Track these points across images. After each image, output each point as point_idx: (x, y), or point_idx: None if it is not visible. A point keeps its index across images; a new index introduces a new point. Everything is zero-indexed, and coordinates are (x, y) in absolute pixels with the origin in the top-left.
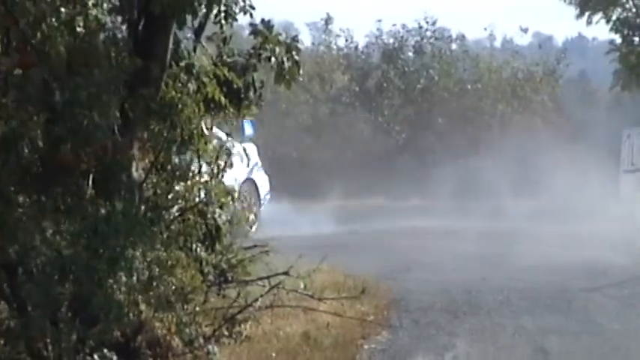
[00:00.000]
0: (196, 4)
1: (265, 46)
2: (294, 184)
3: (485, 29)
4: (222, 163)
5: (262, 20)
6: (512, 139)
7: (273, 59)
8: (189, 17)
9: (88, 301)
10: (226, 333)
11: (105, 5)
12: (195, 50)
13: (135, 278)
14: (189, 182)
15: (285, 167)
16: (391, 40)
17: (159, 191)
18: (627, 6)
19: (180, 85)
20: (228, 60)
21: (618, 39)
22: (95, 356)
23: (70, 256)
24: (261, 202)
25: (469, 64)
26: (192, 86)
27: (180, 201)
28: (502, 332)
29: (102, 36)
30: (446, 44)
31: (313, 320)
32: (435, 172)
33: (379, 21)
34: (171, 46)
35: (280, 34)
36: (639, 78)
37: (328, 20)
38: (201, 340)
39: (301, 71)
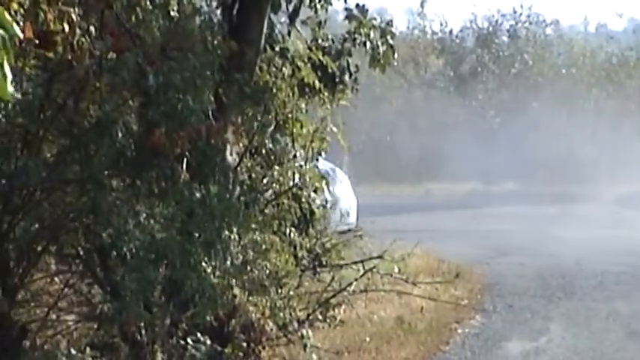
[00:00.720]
0: None
1: (360, 31)
2: (388, 168)
3: (580, 14)
4: (316, 147)
5: (357, 5)
6: (606, 123)
7: (367, 43)
8: (283, 1)
9: (181, 285)
10: (320, 317)
11: None
12: (289, 34)
13: (229, 262)
14: (283, 166)
15: (379, 151)
16: (485, 25)
17: (253, 175)
18: None
19: (274, 69)
20: (323, 44)
21: None
22: (189, 340)
23: (164, 240)
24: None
25: (563, 48)
26: (286, 70)
27: (274, 185)
28: (596, 316)
29: (197, 20)
30: (540, 29)
31: (407, 304)
32: (529, 157)
33: (474, 5)
34: (265, 30)
35: (375, 19)
36: None
37: (423, 4)
38: (295, 324)
39: (396, 55)
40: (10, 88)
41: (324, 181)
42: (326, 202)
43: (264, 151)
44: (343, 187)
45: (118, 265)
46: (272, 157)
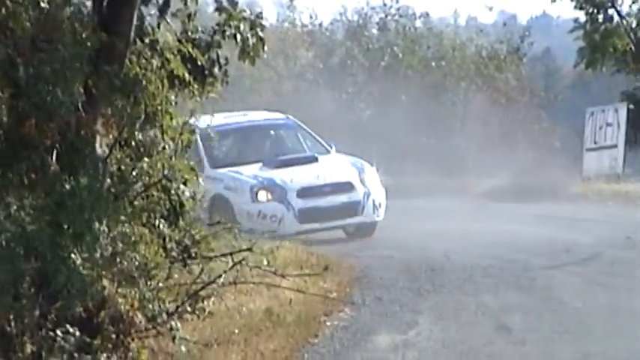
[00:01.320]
0: None
1: (230, 23)
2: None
3: (450, 7)
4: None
5: None
6: (475, 116)
7: (237, 36)
8: None
9: (51, 276)
10: (189, 309)
11: None
12: (159, 26)
13: (98, 254)
14: (153, 158)
15: None
16: (355, 17)
17: (123, 167)
18: None
19: (144, 61)
20: (193, 36)
21: (583, 17)
22: (58, 332)
23: (34, 232)
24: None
25: (433, 41)
26: (156, 62)
27: (144, 177)
28: (465, 310)
29: (67, 11)
30: (410, 21)
31: (276, 297)
32: (398, 150)
33: None
34: (135, 22)
35: (244, 11)
36: (603, 56)
37: None
38: (165, 316)
39: (265, 48)
40: None
41: (352, 173)
42: (362, 195)
43: (133, 143)
44: (373, 181)
45: None
46: (141, 149)
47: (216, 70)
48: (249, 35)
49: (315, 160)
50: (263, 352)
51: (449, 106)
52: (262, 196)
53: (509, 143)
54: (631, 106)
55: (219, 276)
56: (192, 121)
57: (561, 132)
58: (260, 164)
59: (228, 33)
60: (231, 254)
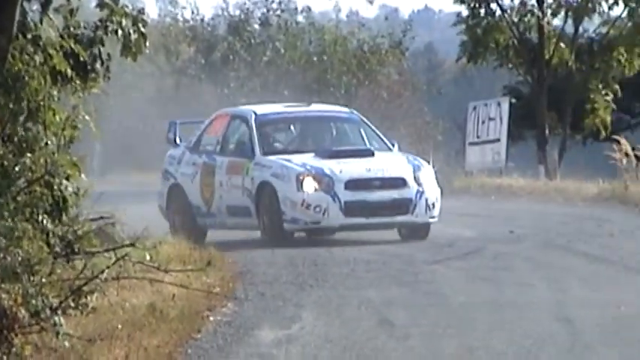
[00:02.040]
0: None
1: (112, 19)
2: (140, 156)
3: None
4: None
5: None
6: (358, 111)
7: (119, 31)
8: None
9: None
10: (72, 304)
11: None
12: (42, 22)
13: None
14: (35, 154)
15: (131, 139)
16: (237, 12)
17: (5, 163)
18: None
19: (26, 57)
20: (75, 32)
21: (464, 11)
22: None
23: None
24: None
25: (315, 36)
26: (38, 58)
27: (26, 172)
28: (348, 304)
29: None
30: (292, 16)
31: (159, 292)
32: None
33: None
34: (18, 17)
35: (127, 7)
36: (486, 50)
37: None
38: (48, 312)
39: (147, 43)
40: None
41: (406, 170)
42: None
43: (16, 139)
44: (429, 180)
45: None
46: (24, 145)
47: (98, 65)
48: (131, 31)
49: (371, 154)
50: (146, 348)
51: (331, 101)
52: (308, 184)
53: (392, 137)
54: (513, 101)
55: (102, 271)
56: (244, 107)
57: (444, 126)
58: (313, 154)
59: (110, 29)
60: (114, 249)
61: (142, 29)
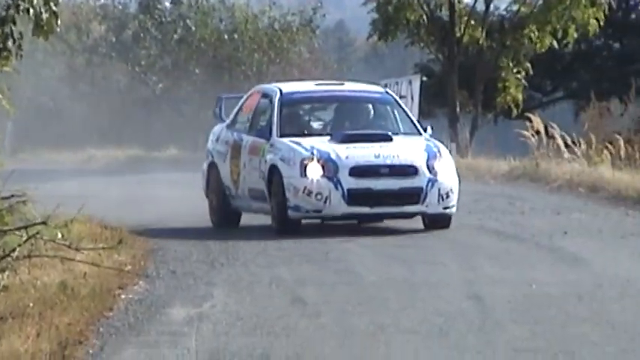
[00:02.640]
0: None
1: None
2: (52, 135)
3: None
4: None
5: None
6: None
7: (31, 10)
8: None
9: None
10: None
11: None
12: None
13: None
14: None
15: (43, 117)
16: None
17: None
18: None
19: None
20: None
21: None
22: None
23: None
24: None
25: (226, 14)
26: None
27: None
28: (259, 282)
29: None
30: None
31: (71, 270)
32: (191, 122)
33: None
34: None
35: None
36: (397, 28)
37: None
38: None
39: (59, 22)
40: None
41: (419, 156)
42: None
43: None
44: (444, 165)
45: None
46: None
47: (10, 44)
48: (42, 10)
49: (389, 139)
50: (58, 326)
51: (242, 79)
52: (311, 170)
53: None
54: (424, 78)
55: (14, 250)
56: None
57: None
58: (329, 137)
59: (22, 7)
60: (25, 228)
61: (54, 8)
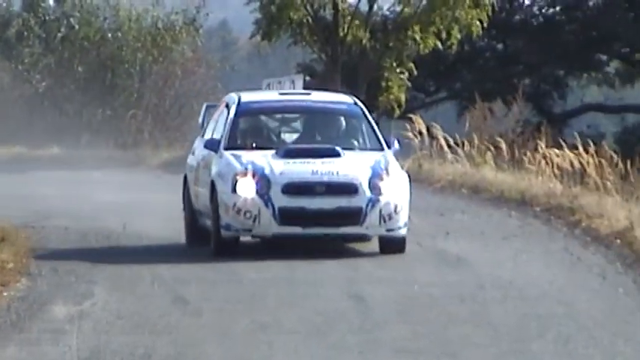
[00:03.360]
0: None
1: None
2: None
3: None
4: None
5: None
6: (151, 88)
7: None
8: None
9: None
10: None
11: None
12: None
13: None
14: None
15: None
16: None
17: None
18: None
19: None
20: None
21: None
22: None
23: None
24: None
25: (109, 12)
26: None
27: None
28: (141, 281)
29: None
30: None
31: None
32: (74, 121)
33: None
34: None
35: None
36: (280, 28)
37: None
38: None
39: None
40: None
41: (363, 174)
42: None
43: None
44: (390, 184)
45: None
46: None
47: None
48: None
49: (336, 154)
50: None
51: (125, 78)
52: (242, 186)
53: (185, 115)
54: (307, 78)
55: None
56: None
57: None
58: (275, 150)
59: None
60: None
61: None
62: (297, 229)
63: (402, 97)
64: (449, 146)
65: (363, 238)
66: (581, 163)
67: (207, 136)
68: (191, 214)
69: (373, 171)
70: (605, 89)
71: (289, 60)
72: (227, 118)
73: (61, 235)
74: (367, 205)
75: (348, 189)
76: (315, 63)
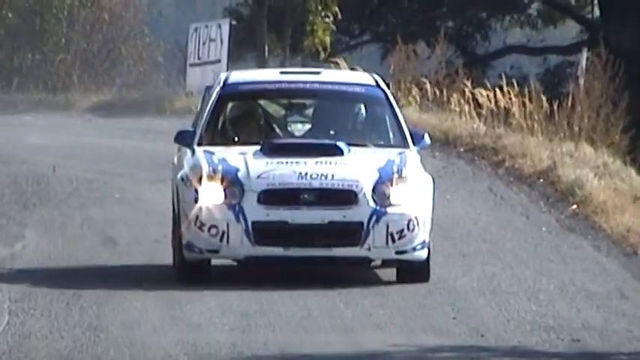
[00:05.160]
0: None
1: None
2: None
3: None
4: None
5: None
6: (80, 33)
7: None
8: None
9: None
10: None
11: None
12: None
13: None
14: None
15: None
16: None
17: None
18: None
19: None
20: None
21: None
22: None
23: None
24: None
25: None
26: None
27: None
28: (71, 223)
29: None
30: None
31: None
32: (5, 65)
33: None
34: None
35: None
36: None
37: None
38: None
39: None
40: None
41: (366, 178)
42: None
43: None
44: (404, 191)
45: None
46: None
47: None
48: None
49: (337, 152)
50: None
51: (54, 23)
52: (206, 193)
53: (116, 58)
54: (234, 22)
55: None
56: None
57: (165, 47)
58: (260, 146)
59: None
60: None
61: None
62: (276, 250)
63: (327, 40)
64: None
65: (364, 262)
66: (505, 103)
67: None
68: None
69: (381, 174)
70: (527, 31)
71: (217, 4)
72: (208, 102)
73: None
74: (370, 219)
75: (345, 198)
76: (242, 7)
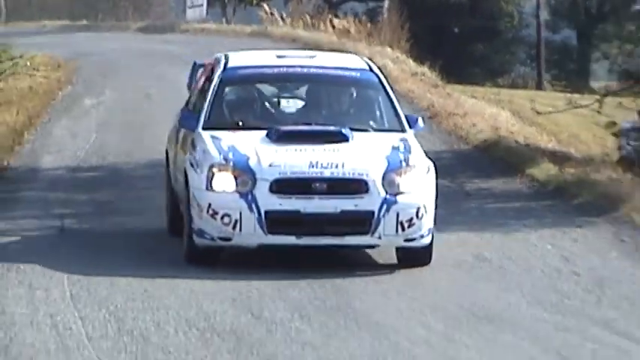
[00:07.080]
0: None
1: None
2: (15, 10)
3: None
4: None
5: None
6: None
7: None
8: None
9: None
10: None
11: None
12: None
13: None
14: None
15: None
16: None
17: None
18: None
19: None
20: None
21: None
22: None
23: None
24: None
25: None
26: None
27: None
28: (127, 86)
29: None
30: None
31: (34, 81)
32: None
33: None
34: None
35: None
36: None
37: None
38: None
39: None
40: None
41: (375, 167)
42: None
43: None
44: (412, 179)
45: None
46: None
47: None
48: None
49: (344, 138)
50: (27, 107)
51: None
52: (219, 181)
53: (150, 2)
54: None
55: (4, 71)
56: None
57: None
58: (266, 132)
59: None
60: (12, 59)
61: None
62: (290, 239)
63: None
64: (282, 19)
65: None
66: (347, 26)
67: (190, 106)
68: (172, 196)
69: (389, 162)
70: None
71: None
72: (210, 86)
73: (90, 63)
74: (381, 209)
75: (356, 187)
76: None
